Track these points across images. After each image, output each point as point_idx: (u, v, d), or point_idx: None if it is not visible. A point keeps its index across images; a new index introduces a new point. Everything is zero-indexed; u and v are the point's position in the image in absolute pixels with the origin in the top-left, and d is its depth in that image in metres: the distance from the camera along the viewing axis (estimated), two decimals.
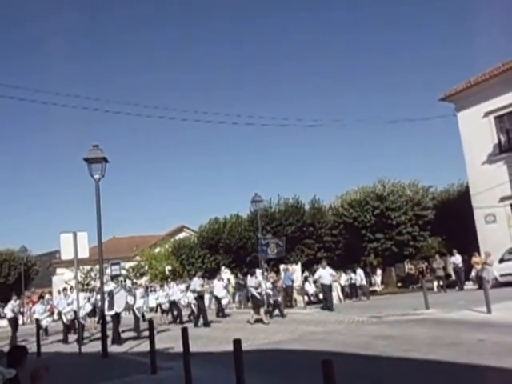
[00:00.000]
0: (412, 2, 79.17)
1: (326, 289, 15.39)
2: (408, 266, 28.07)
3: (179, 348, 8.96)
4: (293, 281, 18.52)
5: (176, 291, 16.38)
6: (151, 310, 20.14)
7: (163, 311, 17.25)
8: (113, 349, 10.80)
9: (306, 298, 19.22)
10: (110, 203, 67.20)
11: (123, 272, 29.67)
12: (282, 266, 20.41)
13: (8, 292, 29.23)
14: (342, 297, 20.25)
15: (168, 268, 29.97)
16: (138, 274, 30.68)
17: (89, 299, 14.66)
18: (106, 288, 11.89)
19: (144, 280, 30.52)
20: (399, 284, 26.70)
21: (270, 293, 14.66)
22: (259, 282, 13.99)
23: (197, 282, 14.72)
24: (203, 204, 77.75)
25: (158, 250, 34.34)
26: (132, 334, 13.13)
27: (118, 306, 11.79)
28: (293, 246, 25.35)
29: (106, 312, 11.48)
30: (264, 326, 12.50)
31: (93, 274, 31.33)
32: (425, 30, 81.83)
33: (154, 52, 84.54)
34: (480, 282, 13.99)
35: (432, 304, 12.05)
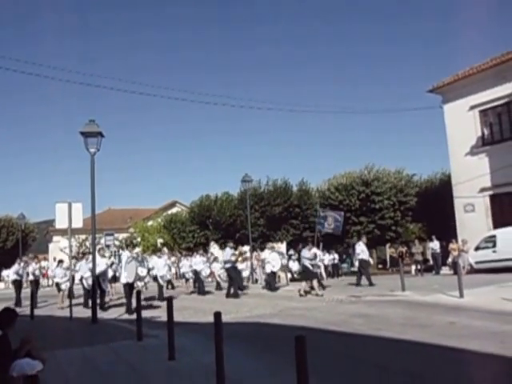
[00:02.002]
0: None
1: (365, 265, 14.70)
2: (390, 250, 28.50)
3: (180, 317, 9.11)
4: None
5: (198, 261, 16.20)
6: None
7: (187, 280, 17.38)
8: (104, 315, 10.86)
9: (290, 275, 19.42)
10: (109, 175, 66.64)
11: (116, 242, 29.68)
12: (268, 244, 20.51)
13: (5, 257, 29.24)
14: (324, 275, 20.49)
15: (160, 241, 30.09)
16: (130, 245, 30.75)
17: (111, 264, 14.32)
18: (122, 257, 11.73)
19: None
20: (380, 266, 27.12)
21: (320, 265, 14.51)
22: (314, 253, 13.64)
23: (229, 253, 14.42)
24: (196, 181, 77.70)
25: (150, 223, 34.44)
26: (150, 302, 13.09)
27: (129, 276, 11.32)
28: (279, 225, 25.50)
29: (121, 281, 11.45)
30: (249, 300, 12.61)
31: (87, 243, 31.37)
32: (415, 25, 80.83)
33: (143, 32, 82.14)
34: (456, 267, 14.19)
35: (408, 287, 12.19)
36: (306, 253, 13.45)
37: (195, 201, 29.05)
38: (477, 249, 17.03)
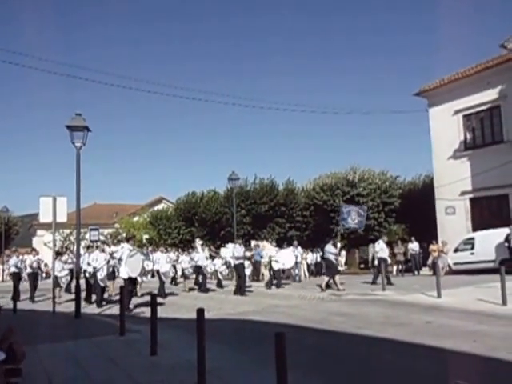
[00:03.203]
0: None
1: (384, 264, 13.95)
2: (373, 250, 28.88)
3: (165, 313, 9.07)
4: (262, 257, 18.73)
5: (202, 257, 15.52)
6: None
7: (186, 277, 16.10)
8: (87, 310, 10.77)
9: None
10: (95, 168, 65.44)
11: (101, 238, 29.38)
12: (253, 242, 20.62)
13: None
14: (307, 274, 20.71)
15: (145, 237, 29.91)
16: (115, 241, 30.44)
17: (108, 261, 13.83)
18: (120, 251, 11.04)
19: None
20: (361, 265, 27.46)
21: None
22: (339, 249, 13.69)
23: (238, 249, 13.97)
24: (183, 178, 77.12)
25: (136, 218, 34.18)
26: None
27: (133, 271, 10.51)
28: (265, 223, 25.61)
29: (121, 276, 10.71)
30: (234, 298, 12.68)
31: (72, 238, 30.99)
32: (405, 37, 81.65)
33: (132, 25, 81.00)
34: (435, 268, 14.50)
35: (389, 286, 12.49)
36: (331, 247, 13.56)
37: (181, 197, 29.00)
38: (456, 250, 17.42)
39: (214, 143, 79.83)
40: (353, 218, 16.59)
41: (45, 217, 10.59)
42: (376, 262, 15.42)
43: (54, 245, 12.03)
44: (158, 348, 5.68)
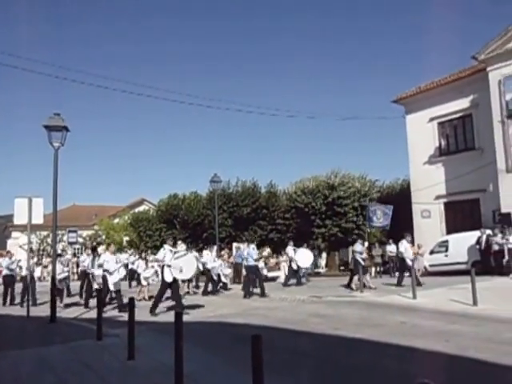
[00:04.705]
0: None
1: (405, 264, 13.67)
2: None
3: (143, 316, 8.87)
4: (243, 259, 18.68)
5: (210, 259, 14.79)
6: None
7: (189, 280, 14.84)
8: (63, 314, 10.49)
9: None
10: (74, 168, 63.74)
11: (80, 240, 28.80)
12: (234, 244, 20.57)
13: None
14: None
15: (126, 239, 29.43)
16: (94, 243, 29.85)
17: (127, 265, 12.78)
18: (162, 252, 10.19)
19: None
20: (341, 267, 27.71)
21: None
22: (364, 248, 13.68)
23: (253, 252, 13.63)
24: (165, 180, 76.13)
25: (117, 220, 33.60)
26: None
27: (185, 272, 9.78)
28: (247, 226, 25.60)
29: (166, 279, 9.75)
30: (215, 300, 12.59)
31: (49, 240, 30.28)
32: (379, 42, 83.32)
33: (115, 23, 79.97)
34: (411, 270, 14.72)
35: (367, 288, 12.66)
36: (357, 247, 13.55)
37: (163, 199, 28.70)
38: (431, 252, 17.79)
39: (197, 145, 79.32)
40: (378, 217, 16.67)
41: (20, 218, 10.25)
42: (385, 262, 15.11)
43: (30, 247, 11.73)
44: (136, 352, 5.57)
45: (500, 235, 15.48)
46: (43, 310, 10.88)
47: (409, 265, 13.40)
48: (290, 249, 16.80)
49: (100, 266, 11.42)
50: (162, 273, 9.97)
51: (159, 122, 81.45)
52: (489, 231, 16.15)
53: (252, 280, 13.56)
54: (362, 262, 13.22)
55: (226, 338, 7.16)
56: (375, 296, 11.51)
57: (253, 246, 14.41)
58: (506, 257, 15.12)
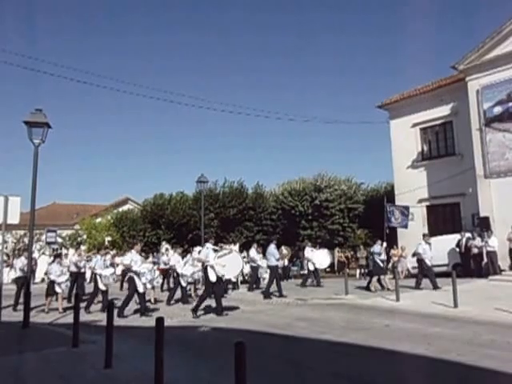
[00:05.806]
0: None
1: (428, 266, 13.11)
2: (338, 254, 29.42)
3: (123, 321, 8.63)
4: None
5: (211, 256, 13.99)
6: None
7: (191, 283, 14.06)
8: (37, 319, 9.77)
9: (241, 277, 19.38)
10: (56, 166, 61.90)
11: (59, 240, 27.97)
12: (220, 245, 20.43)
13: None
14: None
15: (108, 239, 28.60)
16: (74, 243, 29.01)
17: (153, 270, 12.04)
18: (205, 251, 9.78)
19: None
20: (327, 269, 27.86)
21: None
22: (384, 249, 13.56)
23: (274, 251, 12.85)
24: (150, 179, 75.03)
25: (99, 220, 32.48)
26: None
27: (229, 271, 9.49)
28: (233, 227, 25.57)
29: (210, 278, 9.40)
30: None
31: (26, 240, 29.42)
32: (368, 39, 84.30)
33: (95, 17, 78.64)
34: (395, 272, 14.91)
35: (352, 290, 12.74)
36: (376, 247, 13.53)
37: (149, 199, 28.27)
38: (414, 255, 18.03)
39: (184, 144, 78.59)
40: (396, 217, 16.52)
41: None
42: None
43: (5, 247, 11.23)
44: (114, 360, 5.24)
45: (478, 239, 15.80)
46: (16, 316, 10.07)
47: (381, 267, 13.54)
48: (308, 250, 16.76)
49: (127, 267, 10.35)
50: (206, 272, 9.62)
51: (145, 119, 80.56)
52: (468, 234, 16.46)
53: (277, 280, 13.07)
54: (381, 264, 13.18)
55: (210, 343, 7.01)
56: (359, 298, 11.59)
57: (273, 245, 13.32)
58: (485, 259, 15.47)
